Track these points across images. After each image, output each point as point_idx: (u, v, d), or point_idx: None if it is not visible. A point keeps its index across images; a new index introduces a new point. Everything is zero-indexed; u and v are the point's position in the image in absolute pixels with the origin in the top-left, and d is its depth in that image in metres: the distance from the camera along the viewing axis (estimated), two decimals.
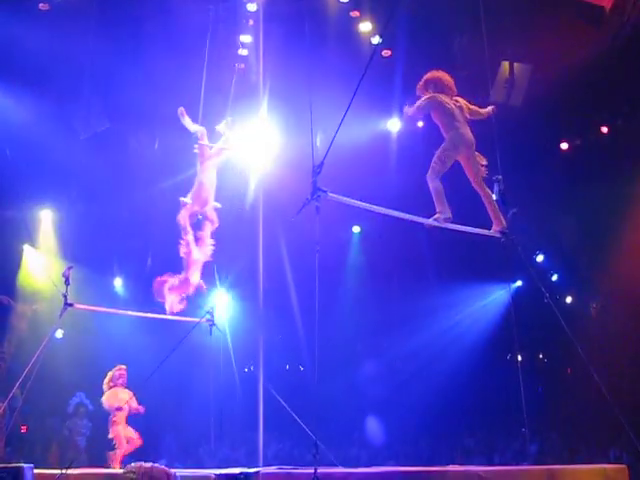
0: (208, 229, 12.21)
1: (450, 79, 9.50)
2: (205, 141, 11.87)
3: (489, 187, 9.51)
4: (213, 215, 12.14)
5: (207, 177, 11.86)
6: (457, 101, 9.47)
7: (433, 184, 9.18)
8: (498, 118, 10.39)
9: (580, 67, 15.13)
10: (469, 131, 9.29)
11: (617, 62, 15.44)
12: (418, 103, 9.37)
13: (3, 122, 15.71)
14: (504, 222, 9.31)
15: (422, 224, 9.40)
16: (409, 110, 9.47)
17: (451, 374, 19.78)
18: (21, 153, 16.70)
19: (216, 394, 12.85)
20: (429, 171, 9.23)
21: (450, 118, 9.21)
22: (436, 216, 9.13)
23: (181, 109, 11.89)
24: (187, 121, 11.89)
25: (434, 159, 9.21)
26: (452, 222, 9.18)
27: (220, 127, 12.32)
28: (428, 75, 9.52)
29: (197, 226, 12.30)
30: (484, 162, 9.39)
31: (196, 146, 11.90)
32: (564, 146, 18.24)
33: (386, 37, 15.46)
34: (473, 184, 9.48)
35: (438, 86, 9.37)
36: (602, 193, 17.05)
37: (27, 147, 16.42)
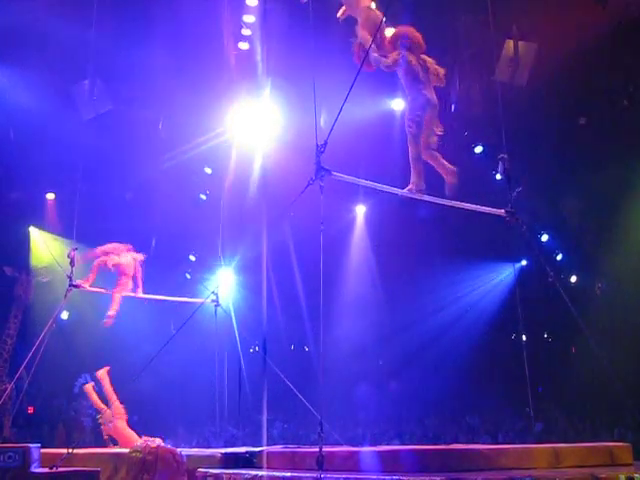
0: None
1: (418, 35, 9.03)
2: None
3: (494, 167, 9.44)
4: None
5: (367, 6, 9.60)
6: (424, 60, 9.02)
7: (414, 150, 8.79)
8: (504, 97, 10.34)
9: (586, 46, 15.04)
10: (433, 93, 8.96)
11: (622, 41, 15.35)
12: (390, 60, 8.98)
13: (6, 104, 15.71)
14: (454, 178, 9.05)
15: (427, 203, 9.32)
16: (384, 62, 9.03)
17: (455, 353, 19.84)
18: (25, 135, 16.71)
19: (221, 375, 12.90)
20: (408, 137, 8.94)
21: (415, 79, 8.92)
22: (409, 187, 8.82)
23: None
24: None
25: (408, 123, 8.95)
26: (456, 200, 9.09)
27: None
28: (397, 30, 9.19)
29: None
30: (439, 131, 9.14)
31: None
32: (570, 126, 18.16)
33: (390, 16, 15.37)
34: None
35: (406, 43, 8.94)
36: (607, 173, 16.99)
37: (31, 129, 16.43)
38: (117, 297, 12.43)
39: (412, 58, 8.88)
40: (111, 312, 12.30)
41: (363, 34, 9.11)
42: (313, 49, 8.64)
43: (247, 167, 14.87)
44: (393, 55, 8.90)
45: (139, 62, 15.53)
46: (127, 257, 12.62)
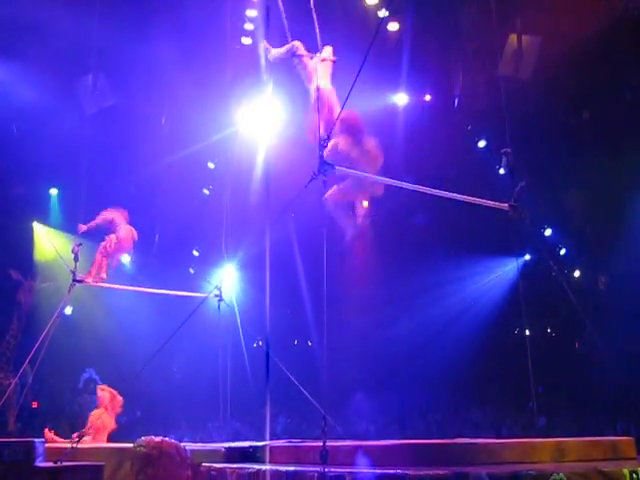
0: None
1: (358, 120, 8.87)
2: (303, 51, 10.11)
3: (498, 161, 9.42)
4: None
5: (322, 84, 9.74)
6: (365, 144, 8.78)
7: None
8: (507, 91, 10.32)
9: (589, 40, 15.03)
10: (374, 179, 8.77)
11: (626, 35, 15.34)
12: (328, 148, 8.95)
13: (9, 99, 15.71)
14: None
15: (430, 197, 9.30)
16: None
17: (459, 348, 19.82)
18: (28, 130, 16.72)
19: (225, 369, 12.89)
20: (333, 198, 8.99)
21: (352, 163, 8.62)
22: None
23: (265, 44, 10.29)
24: (275, 51, 10.28)
25: (340, 192, 8.93)
26: (459, 194, 9.05)
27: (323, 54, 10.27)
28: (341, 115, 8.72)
29: None
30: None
31: (296, 60, 10.18)
32: (573, 119, 18.15)
33: (393, 10, 15.39)
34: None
35: (343, 127, 8.77)
36: (611, 167, 16.98)
37: (34, 124, 16.44)
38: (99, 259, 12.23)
39: (349, 143, 8.75)
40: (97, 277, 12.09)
41: (310, 116, 9.02)
42: (316, 44, 8.64)
43: (250, 162, 14.86)
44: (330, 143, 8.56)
45: (142, 56, 15.53)
46: (125, 229, 12.58)
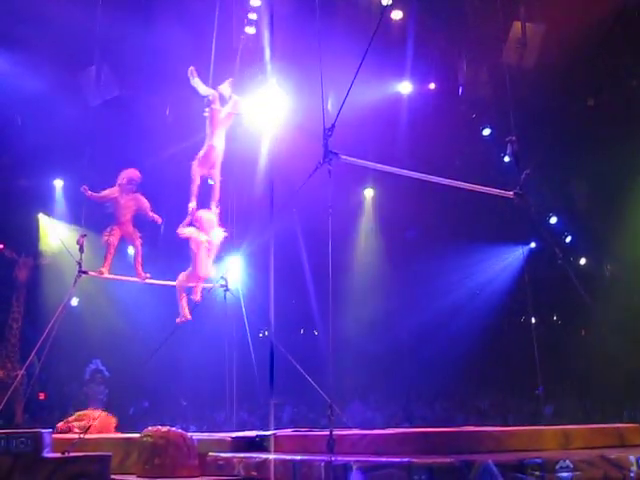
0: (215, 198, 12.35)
1: (205, 217, 11.85)
2: (217, 105, 11.45)
3: (503, 149, 9.42)
4: (217, 180, 12.16)
5: (217, 141, 11.60)
6: (211, 241, 11.68)
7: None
8: (511, 79, 10.29)
9: (594, 27, 14.96)
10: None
11: (631, 23, 15.29)
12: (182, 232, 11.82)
13: (14, 91, 15.71)
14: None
15: (435, 186, 9.30)
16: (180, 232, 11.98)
17: (465, 336, 19.84)
18: (33, 121, 16.71)
19: (231, 359, 12.91)
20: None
21: (196, 254, 11.78)
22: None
23: (191, 68, 11.42)
24: (197, 82, 11.43)
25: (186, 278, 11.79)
26: (465, 182, 9.05)
27: (222, 87, 11.81)
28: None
29: None
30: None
31: (207, 110, 11.50)
32: (578, 107, 18.09)
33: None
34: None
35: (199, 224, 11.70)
36: (616, 154, 16.93)
37: (38, 115, 16.42)
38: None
39: (199, 237, 11.51)
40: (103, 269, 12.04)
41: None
42: (319, 32, 8.60)
43: (255, 151, 14.82)
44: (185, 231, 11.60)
45: (146, 47, 15.51)
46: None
